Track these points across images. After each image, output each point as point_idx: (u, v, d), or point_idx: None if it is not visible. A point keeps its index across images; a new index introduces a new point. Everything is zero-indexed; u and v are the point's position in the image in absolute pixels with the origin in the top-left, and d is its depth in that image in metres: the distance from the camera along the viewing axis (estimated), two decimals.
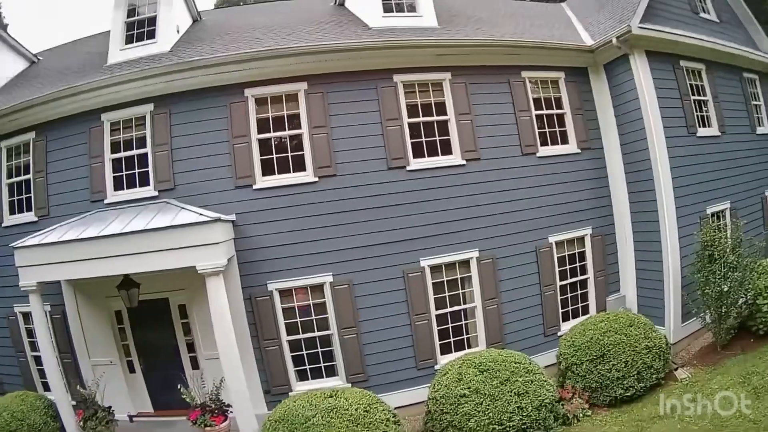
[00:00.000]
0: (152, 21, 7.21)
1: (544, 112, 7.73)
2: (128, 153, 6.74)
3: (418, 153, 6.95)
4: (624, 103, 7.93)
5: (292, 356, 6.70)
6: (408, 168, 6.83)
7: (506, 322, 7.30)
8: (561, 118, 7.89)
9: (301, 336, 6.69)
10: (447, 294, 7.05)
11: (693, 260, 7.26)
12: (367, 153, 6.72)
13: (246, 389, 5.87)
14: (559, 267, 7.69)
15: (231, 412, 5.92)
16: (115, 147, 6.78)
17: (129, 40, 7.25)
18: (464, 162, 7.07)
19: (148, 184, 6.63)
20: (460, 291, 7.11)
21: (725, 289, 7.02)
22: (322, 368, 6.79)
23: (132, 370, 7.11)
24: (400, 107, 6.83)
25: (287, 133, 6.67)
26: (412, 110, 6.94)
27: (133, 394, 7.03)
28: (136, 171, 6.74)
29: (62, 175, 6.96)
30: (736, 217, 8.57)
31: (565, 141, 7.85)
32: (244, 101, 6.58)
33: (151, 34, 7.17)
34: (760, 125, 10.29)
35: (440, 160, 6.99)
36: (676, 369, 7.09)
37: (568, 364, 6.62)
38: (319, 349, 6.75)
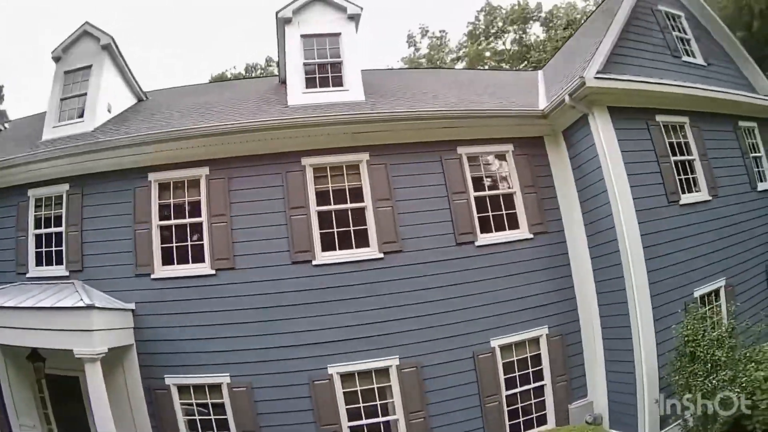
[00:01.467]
0: (83, 100, 7.28)
1: (487, 193, 6.67)
2: (48, 230, 6.75)
3: (328, 245, 6.24)
4: (586, 174, 6.66)
5: None
6: (315, 262, 6.14)
7: None
8: (510, 198, 6.77)
9: None
10: (362, 405, 6.18)
11: (671, 359, 5.91)
12: (269, 245, 6.13)
13: None
14: (505, 374, 6.52)
15: None
16: (38, 223, 6.81)
17: (62, 117, 7.35)
18: (382, 255, 6.22)
19: (62, 264, 6.59)
20: (378, 402, 6.20)
21: (710, 388, 5.63)
22: None
23: None
24: (308, 194, 6.18)
25: (187, 221, 6.30)
26: (323, 197, 6.27)
27: None
28: (53, 249, 6.73)
29: None
30: (733, 296, 7.04)
31: (514, 225, 6.69)
32: (147, 186, 6.35)
33: (81, 113, 7.23)
34: (761, 180, 8.51)
35: (354, 254, 6.21)
36: None
37: None
38: None
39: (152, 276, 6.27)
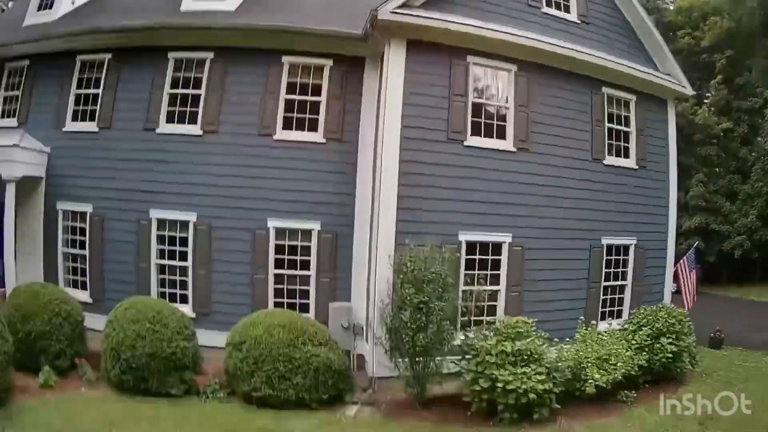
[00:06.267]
0: None
1: (296, 97, 8.77)
2: (10, 93, 10.63)
3: (170, 120, 9.08)
4: (381, 98, 8.28)
5: (64, 266, 9.76)
6: (158, 131, 9.07)
7: (215, 290, 8.79)
8: (317, 105, 8.78)
9: (69, 250, 9.70)
10: (167, 247, 9.03)
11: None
12: (137, 115, 9.26)
13: (14, 273, 9.31)
14: (276, 254, 8.67)
15: None
16: (6, 87, 10.71)
17: (40, 7, 10.94)
18: (201, 132, 8.88)
19: (14, 117, 10.43)
20: (178, 248, 8.96)
21: (421, 343, 6.88)
22: (79, 282, 9.63)
23: None
24: (166, 79, 9.09)
25: (92, 91, 9.69)
26: (175, 83, 9.11)
27: None
28: (12, 107, 10.55)
29: None
30: (521, 259, 8.23)
31: (313, 128, 8.74)
32: (73, 66, 9.90)
33: (51, 4, 10.86)
34: (613, 155, 9.20)
35: (184, 128, 8.98)
36: (354, 396, 7.55)
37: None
38: (79, 265, 9.63)
39: (63, 129, 9.81)
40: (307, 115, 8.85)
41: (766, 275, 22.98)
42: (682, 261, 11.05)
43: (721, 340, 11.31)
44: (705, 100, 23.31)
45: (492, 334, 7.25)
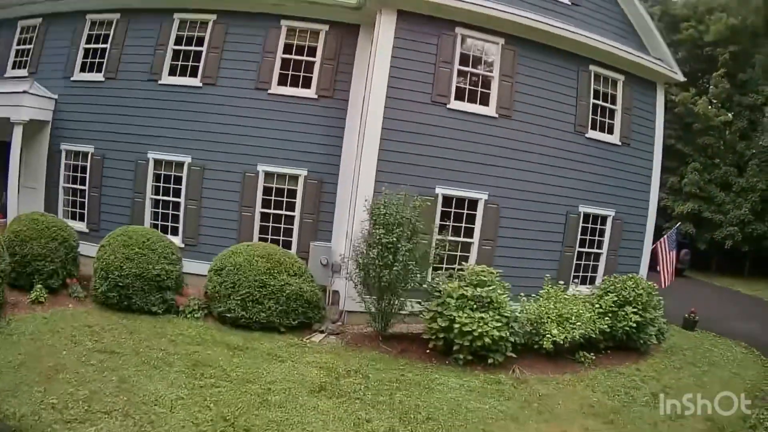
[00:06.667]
0: None
1: (292, 57, 9.54)
2: (22, 47, 11.44)
3: (173, 72, 9.87)
4: (371, 63, 8.99)
5: (63, 199, 10.49)
6: (160, 82, 9.86)
7: (203, 224, 9.50)
8: (311, 65, 9.54)
9: (70, 185, 10.45)
10: (162, 185, 9.77)
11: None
12: (142, 67, 10.05)
13: (16, 204, 10.08)
14: (264, 195, 9.38)
15: None
16: (18, 42, 11.46)
17: None
18: (201, 84, 9.67)
19: (25, 68, 11.27)
20: (172, 186, 9.71)
21: (387, 279, 7.45)
22: (77, 214, 10.35)
23: None
24: (170, 37, 9.88)
25: (100, 46, 10.50)
26: (178, 40, 9.92)
27: None
28: (24, 59, 11.39)
29: None
30: (497, 216, 8.73)
31: (307, 85, 9.49)
32: (83, 23, 10.65)
33: None
34: (597, 129, 9.79)
35: (185, 80, 9.76)
36: (322, 326, 8.15)
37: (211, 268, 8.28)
38: (78, 199, 10.39)
39: (72, 78, 10.59)
40: (302, 74, 9.61)
41: (756, 270, 22.83)
42: (662, 240, 11.23)
43: (695, 321, 11.45)
44: (708, 93, 23.31)
45: (456, 279, 7.75)
